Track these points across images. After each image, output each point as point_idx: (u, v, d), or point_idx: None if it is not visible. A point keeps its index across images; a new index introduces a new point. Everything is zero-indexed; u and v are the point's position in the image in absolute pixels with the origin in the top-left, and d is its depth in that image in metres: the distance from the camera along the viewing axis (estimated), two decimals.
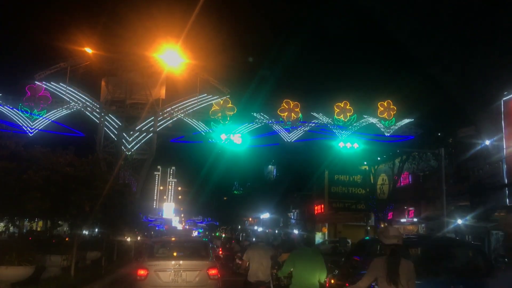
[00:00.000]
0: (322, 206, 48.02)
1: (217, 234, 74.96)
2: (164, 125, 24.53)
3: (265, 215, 68.35)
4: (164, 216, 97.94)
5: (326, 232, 47.80)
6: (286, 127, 24.31)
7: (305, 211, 54.99)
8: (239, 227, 78.39)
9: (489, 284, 5.79)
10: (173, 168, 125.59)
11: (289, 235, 32.32)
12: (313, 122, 25.06)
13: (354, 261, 7.94)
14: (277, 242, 17.34)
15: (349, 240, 37.10)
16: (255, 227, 76.80)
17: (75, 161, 10.11)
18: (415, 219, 30.87)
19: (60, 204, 9.73)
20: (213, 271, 8.56)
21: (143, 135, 24.19)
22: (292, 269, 6.05)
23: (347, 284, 6.64)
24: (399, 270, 4.34)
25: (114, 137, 23.73)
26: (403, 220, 32.09)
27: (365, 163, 34.94)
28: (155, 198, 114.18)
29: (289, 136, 24.43)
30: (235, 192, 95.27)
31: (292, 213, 61.80)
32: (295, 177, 54.56)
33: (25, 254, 8.74)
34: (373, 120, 25.78)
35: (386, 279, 4.35)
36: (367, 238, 10.72)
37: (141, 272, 8.26)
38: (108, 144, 24.07)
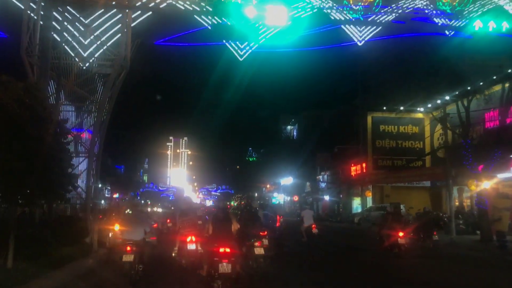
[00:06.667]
0: (364, 165, 38.63)
1: (232, 202, 66.53)
2: (142, 17, 14.27)
3: (287, 180, 58.65)
4: (172, 184, 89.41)
5: (371, 197, 38.43)
6: (355, 15, 13.86)
7: (339, 172, 45.33)
8: (256, 194, 69.18)
9: None
10: (186, 138, 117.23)
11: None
12: (398, 7, 14.50)
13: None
14: None
15: (403, 206, 27.57)
16: (275, 194, 68.07)
17: None
18: None
19: None
20: None
21: (107, 34, 13.87)
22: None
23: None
24: None
25: (57, 37, 13.54)
26: (506, 175, 21.92)
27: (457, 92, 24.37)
28: (168, 166, 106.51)
29: (360, 32, 13.98)
30: (250, 159, 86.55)
31: (321, 176, 51.84)
32: (327, 130, 44.73)
33: None
34: (498, 1, 15.08)
35: None
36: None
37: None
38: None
